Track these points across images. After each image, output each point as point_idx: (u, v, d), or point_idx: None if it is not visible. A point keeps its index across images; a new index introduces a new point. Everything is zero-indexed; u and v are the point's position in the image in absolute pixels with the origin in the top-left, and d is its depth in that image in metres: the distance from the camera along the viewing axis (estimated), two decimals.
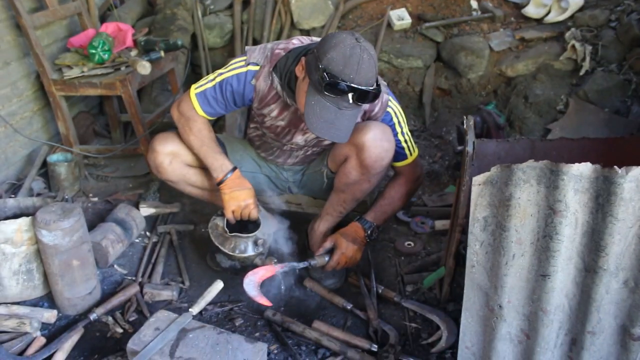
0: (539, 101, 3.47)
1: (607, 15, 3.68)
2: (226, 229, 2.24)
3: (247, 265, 2.28)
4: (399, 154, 2.25)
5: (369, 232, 2.30)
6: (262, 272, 2.12)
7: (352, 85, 1.83)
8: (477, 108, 3.55)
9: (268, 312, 2.17)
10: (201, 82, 2.22)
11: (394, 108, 2.22)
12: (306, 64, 1.93)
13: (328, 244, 2.27)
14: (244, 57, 2.16)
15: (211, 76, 2.19)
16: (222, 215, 2.27)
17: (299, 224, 2.49)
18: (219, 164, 2.21)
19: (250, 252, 2.24)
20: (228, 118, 2.53)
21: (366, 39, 1.91)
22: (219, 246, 2.26)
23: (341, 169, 2.25)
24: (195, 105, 2.20)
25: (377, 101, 2.11)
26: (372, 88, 1.87)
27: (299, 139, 2.29)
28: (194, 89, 2.21)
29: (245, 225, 2.29)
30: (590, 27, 3.66)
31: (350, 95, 1.85)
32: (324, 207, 2.40)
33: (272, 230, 2.33)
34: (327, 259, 2.25)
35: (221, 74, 2.16)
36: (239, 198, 2.20)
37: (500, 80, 3.82)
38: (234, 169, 2.22)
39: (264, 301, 2.04)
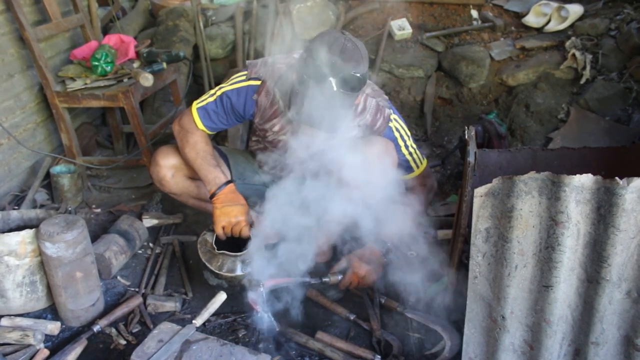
0: (540, 110, 3.48)
1: (607, 24, 3.70)
2: (214, 245, 2.17)
3: (235, 285, 2.24)
4: (405, 167, 2.25)
5: (384, 251, 2.30)
6: (274, 282, 2.13)
7: (335, 69, 1.82)
8: (478, 117, 3.56)
9: (272, 323, 2.16)
10: (203, 97, 2.24)
11: (396, 122, 2.22)
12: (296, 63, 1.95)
13: (343, 263, 2.28)
14: (245, 72, 2.17)
15: (212, 91, 2.21)
16: (213, 230, 2.21)
17: None
18: (212, 177, 2.18)
19: (238, 272, 2.17)
20: (230, 130, 2.55)
21: (359, 41, 1.92)
22: (206, 263, 2.19)
23: None
24: (195, 119, 2.22)
25: (378, 115, 2.12)
26: (355, 73, 1.85)
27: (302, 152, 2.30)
28: (196, 104, 2.23)
29: (237, 242, 2.21)
30: (591, 36, 3.67)
31: (333, 81, 1.84)
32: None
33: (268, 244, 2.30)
34: (340, 277, 2.26)
35: (222, 87, 2.18)
36: (230, 214, 2.14)
37: (501, 90, 3.83)
38: (228, 182, 2.19)
39: (257, 307, 2.05)
